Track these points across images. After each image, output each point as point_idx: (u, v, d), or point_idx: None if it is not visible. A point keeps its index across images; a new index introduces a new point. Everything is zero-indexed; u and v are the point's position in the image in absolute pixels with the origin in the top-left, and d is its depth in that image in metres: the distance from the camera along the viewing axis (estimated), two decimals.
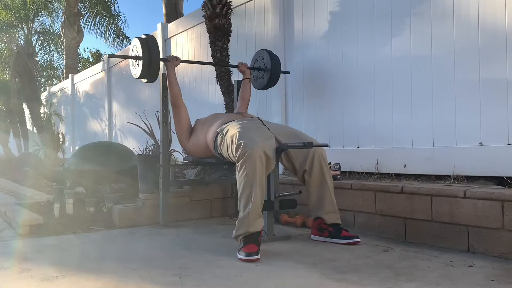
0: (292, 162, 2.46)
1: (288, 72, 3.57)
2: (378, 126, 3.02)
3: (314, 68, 3.51)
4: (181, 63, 3.02)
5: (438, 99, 2.67)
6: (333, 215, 2.42)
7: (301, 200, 2.86)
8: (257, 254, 2.03)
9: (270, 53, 3.32)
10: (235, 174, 3.25)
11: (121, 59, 7.19)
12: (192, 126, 2.91)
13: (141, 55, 2.81)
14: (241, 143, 2.19)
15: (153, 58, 2.82)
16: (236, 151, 2.20)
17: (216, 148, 2.52)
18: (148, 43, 2.83)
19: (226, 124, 2.49)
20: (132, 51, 2.93)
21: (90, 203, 3.17)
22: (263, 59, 3.36)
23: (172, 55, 2.94)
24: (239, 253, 2.07)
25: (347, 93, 3.24)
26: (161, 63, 2.96)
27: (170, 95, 2.88)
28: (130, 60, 2.97)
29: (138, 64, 2.87)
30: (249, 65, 3.37)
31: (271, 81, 3.34)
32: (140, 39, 2.84)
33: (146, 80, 2.93)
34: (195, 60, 5.10)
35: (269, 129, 2.42)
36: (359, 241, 2.33)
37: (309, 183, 2.46)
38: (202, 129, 2.73)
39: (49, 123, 8.44)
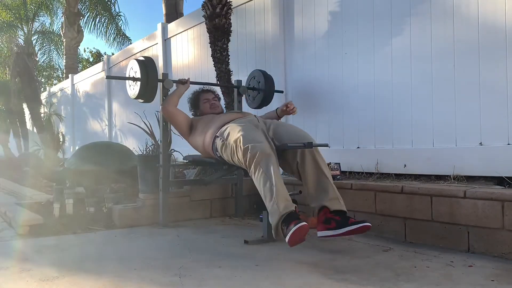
0: (285, 157, 2.41)
1: (282, 91, 3.61)
2: (378, 126, 3.02)
3: (314, 67, 3.51)
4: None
5: (438, 99, 2.67)
6: (336, 202, 2.23)
7: (301, 200, 2.86)
8: (302, 222, 1.93)
9: (264, 73, 3.38)
10: (234, 175, 3.25)
11: (121, 59, 7.19)
12: (191, 119, 2.91)
13: (139, 76, 2.82)
14: (247, 146, 2.16)
15: (150, 80, 2.84)
16: (244, 155, 2.17)
17: (216, 151, 2.51)
18: (146, 65, 2.85)
19: (225, 126, 2.48)
20: (129, 74, 2.93)
21: (90, 203, 3.17)
22: (254, 78, 3.41)
23: (186, 79, 3.01)
24: (286, 238, 1.95)
25: (347, 93, 3.24)
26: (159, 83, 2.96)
27: (168, 110, 2.83)
28: (126, 81, 2.98)
29: (136, 84, 2.87)
30: (243, 84, 3.42)
31: (265, 100, 3.39)
32: (138, 61, 2.86)
33: (142, 101, 2.93)
34: (195, 60, 5.11)
35: (263, 129, 2.42)
36: (370, 225, 2.11)
37: (303, 173, 2.33)
38: (201, 131, 2.72)
39: (49, 123, 8.43)
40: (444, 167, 2.59)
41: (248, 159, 2.15)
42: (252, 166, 2.15)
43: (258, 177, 2.13)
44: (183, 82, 2.97)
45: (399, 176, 2.87)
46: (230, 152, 2.33)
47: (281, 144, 2.34)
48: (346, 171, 3.16)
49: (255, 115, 2.66)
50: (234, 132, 2.32)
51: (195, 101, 3.07)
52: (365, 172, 3.05)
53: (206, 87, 3.19)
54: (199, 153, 2.88)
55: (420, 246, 2.29)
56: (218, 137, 2.46)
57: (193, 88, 3.19)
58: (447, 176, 2.57)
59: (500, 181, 2.34)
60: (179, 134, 3.84)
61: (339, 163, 2.99)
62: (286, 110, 2.89)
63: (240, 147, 2.20)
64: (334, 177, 2.94)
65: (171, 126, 3.10)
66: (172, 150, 3.57)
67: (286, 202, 2.07)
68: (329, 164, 2.96)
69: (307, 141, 2.26)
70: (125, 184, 3.70)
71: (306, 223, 1.92)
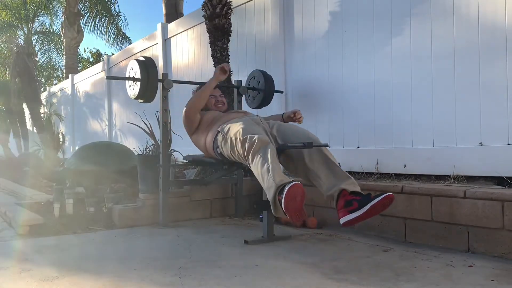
0: (289, 155, 2.40)
1: (282, 92, 3.61)
2: (378, 125, 3.02)
3: (314, 68, 3.51)
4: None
5: (438, 99, 2.67)
6: (354, 185, 2.18)
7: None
8: (295, 181, 1.92)
9: (264, 73, 3.38)
10: (234, 175, 3.24)
11: (121, 60, 7.19)
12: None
13: (139, 76, 2.82)
14: (246, 137, 2.19)
15: (151, 80, 2.83)
16: (243, 145, 2.20)
17: (216, 148, 2.51)
18: (146, 65, 2.84)
19: (227, 123, 2.49)
20: (129, 74, 2.93)
21: (90, 203, 3.17)
22: (254, 78, 3.40)
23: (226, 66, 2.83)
24: (282, 204, 1.92)
25: (347, 93, 3.24)
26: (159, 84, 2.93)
27: (190, 118, 2.73)
28: (126, 81, 2.97)
29: (136, 85, 2.87)
30: (243, 84, 3.40)
31: (265, 101, 3.38)
32: (138, 61, 2.86)
33: (142, 101, 2.93)
34: (195, 60, 5.11)
35: (264, 127, 2.43)
36: (392, 195, 2.00)
37: (312, 165, 2.29)
38: (203, 130, 2.72)
39: (49, 123, 8.43)
40: (444, 167, 2.59)
41: (247, 148, 2.17)
42: (251, 155, 2.16)
43: (256, 162, 2.13)
44: (225, 71, 2.80)
45: (399, 176, 2.87)
46: (229, 146, 2.34)
47: (281, 145, 2.35)
48: (346, 171, 3.15)
49: (257, 115, 2.66)
50: (234, 127, 2.35)
51: None
52: (365, 172, 3.05)
53: None
54: (199, 153, 2.88)
55: (420, 246, 2.29)
56: (219, 132, 2.47)
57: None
58: (447, 176, 2.57)
59: (500, 181, 2.34)
60: (179, 134, 3.85)
61: (339, 163, 2.97)
62: (293, 117, 2.87)
63: (239, 138, 2.23)
64: None
65: (171, 126, 3.10)
66: (172, 150, 3.57)
67: (283, 177, 2.04)
68: None
69: (307, 141, 2.26)
70: (125, 184, 3.70)
71: (299, 182, 1.91)
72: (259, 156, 2.13)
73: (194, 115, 2.73)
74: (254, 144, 2.15)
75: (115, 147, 4.68)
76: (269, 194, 2.04)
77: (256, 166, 2.14)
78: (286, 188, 1.92)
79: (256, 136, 2.16)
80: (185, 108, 2.75)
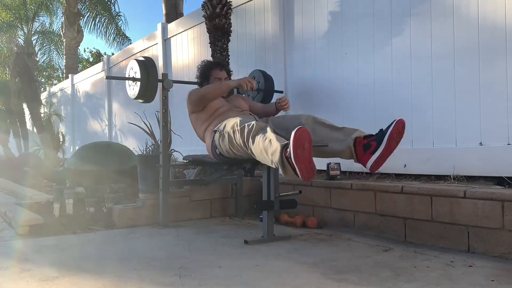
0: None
1: (281, 91, 3.61)
2: (378, 125, 3.01)
3: (314, 67, 3.51)
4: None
5: (438, 98, 2.67)
6: (363, 132, 2.26)
7: (301, 200, 2.87)
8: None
9: (263, 73, 3.38)
10: (234, 175, 3.23)
11: (121, 60, 7.19)
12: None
13: (139, 76, 2.82)
14: (244, 125, 2.21)
15: (150, 80, 2.83)
16: (242, 133, 2.21)
17: (215, 149, 2.51)
18: (146, 65, 2.84)
19: (222, 122, 2.49)
20: (129, 74, 2.94)
21: (90, 203, 3.17)
22: (254, 78, 3.40)
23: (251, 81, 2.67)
24: (291, 156, 1.88)
25: (346, 92, 3.23)
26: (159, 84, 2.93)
27: (206, 96, 2.66)
28: (126, 81, 2.97)
29: (136, 85, 2.87)
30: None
31: (265, 101, 3.37)
32: (138, 61, 2.86)
33: (142, 101, 2.93)
34: (195, 60, 5.11)
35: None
36: (402, 119, 2.15)
37: (317, 135, 2.32)
38: (204, 120, 2.70)
39: (49, 123, 8.43)
40: (444, 167, 2.59)
41: (246, 134, 2.18)
42: (250, 138, 2.16)
43: (257, 142, 2.12)
44: (249, 86, 2.64)
45: (399, 176, 2.86)
46: (227, 140, 2.35)
47: None
48: (346, 171, 3.15)
49: (250, 113, 2.68)
50: (230, 122, 2.36)
51: (205, 74, 2.90)
52: (365, 172, 3.04)
53: (220, 61, 3.11)
54: (199, 153, 2.88)
55: (420, 246, 2.29)
56: (216, 131, 2.48)
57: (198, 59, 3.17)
58: (447, 176, 2.57)
59: (500, 181, 2.34)
60: (179, 134, 3.85)
61: (339, 163, 2.99)
62: (278, 104, 2.84)
63: (237, 129, 2.25)
64: (334, 177, 2.95)
65: (171, 126, 3.10)
66: (172, 150, 3.57)
67: (286, 141, 1.99)
68: (329, 164, 2.97)
69: (299, 124, 2.29)
70: (125, 184, 3.71)
71: (303, 127, 1.90)
72: (259, 135, 2.12)
73: (202, 103, 2.70)
74: (252, 129, 2.16)
75: (115, 147, 4.69)
76: (275, 157, 1.98)
77: (257, 145, 2.12)
78: (292, 136, 1.86)
79: (253, 122, 2.19)
80: (199, 91, 2.71)
